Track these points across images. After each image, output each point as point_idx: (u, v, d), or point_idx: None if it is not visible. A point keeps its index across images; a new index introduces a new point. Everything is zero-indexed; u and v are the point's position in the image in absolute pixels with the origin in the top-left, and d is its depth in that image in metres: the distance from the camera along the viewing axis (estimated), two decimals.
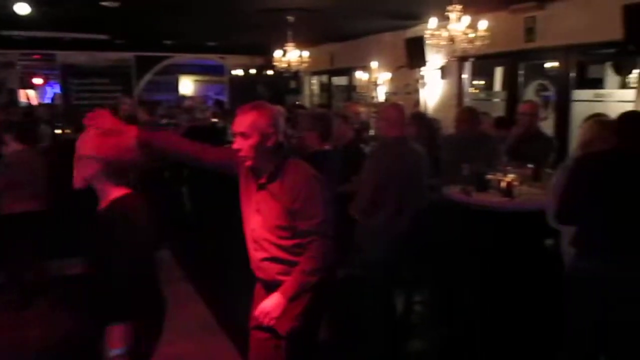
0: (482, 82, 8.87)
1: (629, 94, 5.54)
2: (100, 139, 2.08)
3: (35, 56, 12.81)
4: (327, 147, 3.96)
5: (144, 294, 2.04)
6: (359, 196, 3.61)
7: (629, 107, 5.08)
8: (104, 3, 6.60)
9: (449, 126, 7.37)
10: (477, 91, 8.29)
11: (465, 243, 4.02)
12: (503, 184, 3.87)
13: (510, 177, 3.84)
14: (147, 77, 13.07)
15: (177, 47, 12.16)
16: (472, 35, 4.80)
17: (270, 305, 2.34)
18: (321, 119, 3.90)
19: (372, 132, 6.37)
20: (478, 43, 4.82)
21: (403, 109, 3.69)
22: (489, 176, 4.07)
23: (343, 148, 4.65)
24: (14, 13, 6.42)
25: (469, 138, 4.57)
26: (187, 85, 16.96)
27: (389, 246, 3.60)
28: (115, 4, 6.63)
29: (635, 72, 5.26)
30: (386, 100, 8.05)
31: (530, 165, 4.17)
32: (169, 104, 14.97)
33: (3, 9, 6.52)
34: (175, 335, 2.63)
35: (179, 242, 5.93)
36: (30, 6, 6.22)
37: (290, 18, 7.40)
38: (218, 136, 6.76)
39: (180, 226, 6.48)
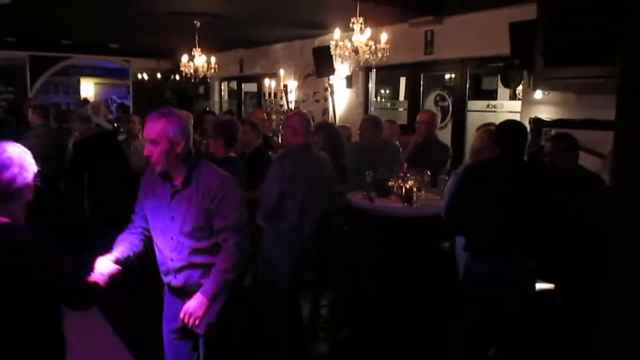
0: (387, 92, 9.23)
1: (517, 105, 5.97)
2: None
3: None
4: (232, 154, 3.95)
5: None
6: (263, 203, 3.62)
7: (517, 117, 5.47)
8: None
9: (355, 133, 7.62)
10: (382, 100, 8.60)
11: (368, 247, 4.15)
12: (403, 190, 4.04)
13: (410, 183, 4.02)
14: (43, 78, 12.28)
15: (76, 47, 11.54)
16: (374, 47, 4.99)
17: (193, 305, 2.41)
18: (226, 126, 3.88)
19: (280, 140, 6.40)
20: (379, 55, 5.02)
21: (308, 117, 3.76)
22: (391, 182, 4.22)
23: (250, 155, 4.66)
24: None
25: (372, 145, 4.72)
26: (88, 88, 16.19)
27: (293, 252, 3.65)
28: (6, 1, 6.20)
29: (521, 84, 5.69)
30: (295, 108, 8.13)
31: (427, 172, 4.38)
32: (67, 107, 14.24)
33: None
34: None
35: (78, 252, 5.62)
36: None
37: (197, 22, 7.28)
38: (116, 145, 6.36)
39: (80, 236, 6.15)
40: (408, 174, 4.12)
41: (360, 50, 4.96)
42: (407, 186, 3.99)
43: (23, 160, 1.94)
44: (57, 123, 7.85)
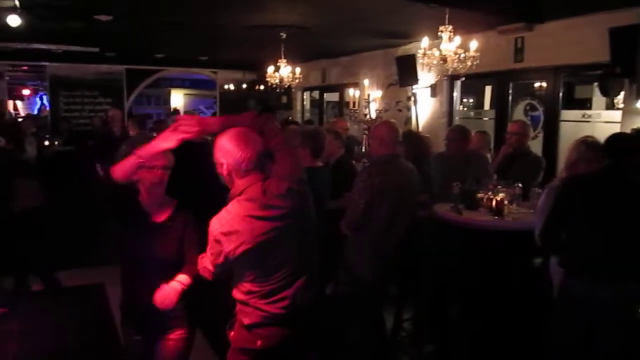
0: (472, 101, 8.99)
1: (616, 115, 5.62)
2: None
3: (24, 67, 12.75)
4: (319, 163, 3.98)
5: None
6: (349, 212, 3.61)
7: (616, 128, 5.15)
8: (97, 16, 6.61)
9: (439, 144, 7.46)
10: (466, 110, 8.39)
11: (455, 260, 4.03)
12: (493, 203, 3.89)
13: (500, 196, 3.87)
14: (138, 90, 13.03)
15: (168, 61, 12.17)
16: (463, 55, 4.86)
17: (167, 291, 2.41)
18: (313, 136, 3.91)
19: (363, 149, 6.38)
20: (469, 63, 4.89)
21: (395, 127, 3.71)
22: (479, 194, 4.08)
23: (334, 164, 4.68)
24: (5, 25, 6.39)
25: (459, 156, 4.60)
26: (177, 99, 16.98)
27: (377, 263, 3.61)
28: (108, 18, 6.64)
29: (622, 93, 5.35)
30: (377, 117, 8.08)
31: (518, 185, 4.19)
32: (159, 117, 15.01)
33: None
34: None
35: None
36: (22, 18, 6.19)
37: (283, 34, 7.45)
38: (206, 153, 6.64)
39: None
40: (498, 186, 3.97)
41: (448, 59, 4.86)
42: (498, 199, 3.84)
43: None
44: (150, 132, 8.31)
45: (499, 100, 7.19)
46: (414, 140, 4.76)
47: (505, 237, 3.79)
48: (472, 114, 8.44)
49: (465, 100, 8.59)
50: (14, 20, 6.15)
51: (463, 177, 4.29)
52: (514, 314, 3.84)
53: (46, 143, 10.10)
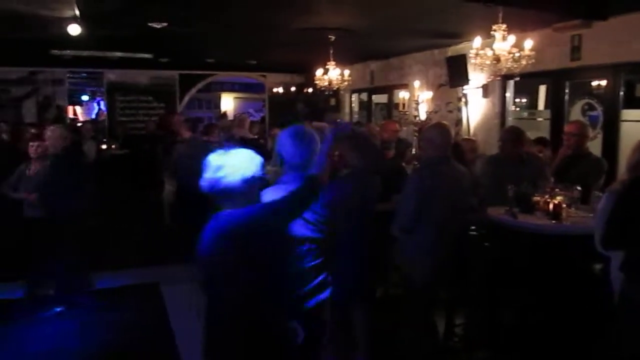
0: (525, 101, 8.72)
1: None
2: None
3: (83, 74, 13.28)
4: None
5: None
6: (399, 215, 3.56)
7: None
8: (151, 23, 6.80)
9: (492, 144, 7.29)
10: (519, 110, 8.15)
11: (509, 265, 3.92)
12: (550, 206, 3.76)
13: (558, 199, 3.73)
14: (190, 94, 13.35)
15: (219, 65, 12.40)
16: (517, 54, 4.72)
17: None
18: (363, 139, 3.89)
19: (414, 151, 6.30)
20: (523, 62, 4.73)
21: (447, 129, 3.65)
22: (535, 197, 3.96)
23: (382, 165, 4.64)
24: (65, 33, 6.67)
25: (513, 158, 4.47)
26: (227, 102, 17.27)
27: (429, 266, 3.55)
28: (163, 25, 6.82)
29: None
30: (427, 119, 7.97)
31: (577, 187, 4.03)
32: (209, 121, 15.30)
33: (57, 29, 6.78)
34: None
35: None
36: (81, 27, 6.44)
37: (331, 37, 7.45)
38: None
39: None
40: (556, 189, 3.83)
41: (502, 59, 4.72)
42: (556, 202, 3.70)
43: None
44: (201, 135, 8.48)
45: (554, 100, 6.94)
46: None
47: (563, 241, 3.66)
48: (525, 114, 8.20)
49: (518, 100, 8.36)
50: (74, 30, 6.41)
51: (517, 180, 4.17)
52: (572, 321, 3.70)
53: (103, 147, 10.49)
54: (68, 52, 9.60)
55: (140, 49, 9.54)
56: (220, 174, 2.11)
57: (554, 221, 3.71)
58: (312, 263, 2.57)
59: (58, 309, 4.90)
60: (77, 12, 6.09)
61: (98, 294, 5.26)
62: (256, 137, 8.29)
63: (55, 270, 4.93)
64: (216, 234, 2.10)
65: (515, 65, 4.72)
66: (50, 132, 5.02)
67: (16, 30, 7.18)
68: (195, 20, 6.75)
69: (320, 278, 2.60)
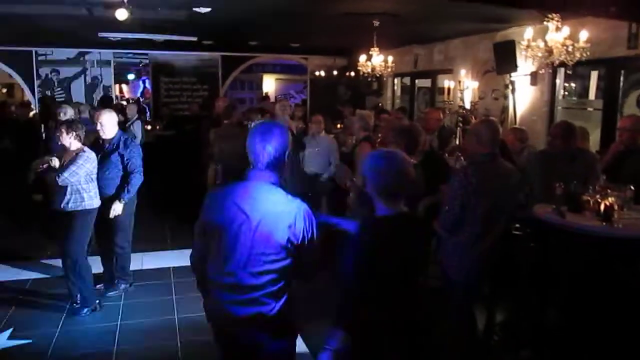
0: (574, 86, 8.36)
1: None
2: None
3: (128, 54, 13.52)
4: (412, 160, 3.88)
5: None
6: (443, 213, 3.50)
7: None
8: (196, 8, 6.83)
9: (539, 133, 7.08)
10: (570, 98, 7.86)
11: (556, 265, 3.82)
12: (601, 207, 3.62)
13: (610, 199, 3.59)
14: (232, 76, 13.42)
15: (261, 47, 12.39)
16: (571, 47, 4.50)
17: None
18: (408, 133, 3.83)
19: (457, 141, 6.17)
20: (577, 55, 4.52)
21: (495, 126, 3.54)
22: (585, 197, 3.82)
23: (423, 158, 4.56)
24: (113, 17, 6.77)
25: (563, 154, 4.32)
26: (269, 84, 17.32)
27: (469, 266, 3.49)
28: (207, 10, 6.84)
29: None
30: (472, 107, 7.77)
31: (631, 187, 3.86)
32: (250, 102, 15.41)
33: (105, 13, 6.90)
34: None
35: None
36: (128, 12, 6.52)
37: (376, 22, 7.32)
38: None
39: None
40: (608, 189, 3.68)
41: (555, 51, 4.53)
42: (607, 203, 3.56)
43: None
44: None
45: (608, 90, 6.65)
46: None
47: (613, 244, 3.53)
48: (575, 103, 7.89)
49: (567, 85, 8.03)
50: (121, 14, 6.49)
51: (567, 177, 4.03)
52: (618, 325, 3.59)
53: (148, 127, 10.69)
54: (115, 34, 9.75)
55: (185, 32, 9.60)
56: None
57: (604, 223, 3.57)
58: None
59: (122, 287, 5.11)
60: None
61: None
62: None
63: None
64: None
65: (569, 58, 4.52)
66: (106, 117, 4.94)
67: (65, 13, 7.32)
68: (239, 5, 6.74)
69: None
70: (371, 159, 2.46)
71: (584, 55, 4.60)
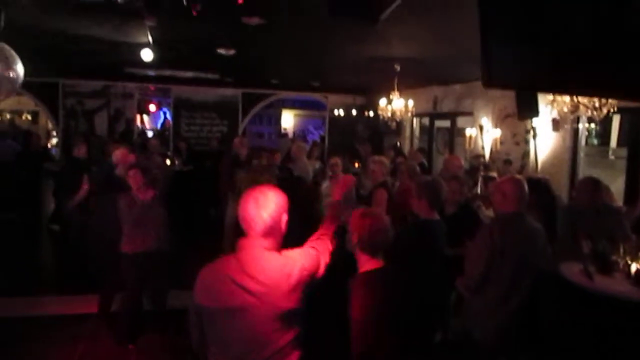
0: (594, 127, 8.21)
1: None
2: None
3: (152, 87, 13.74)
4: (436, 216, 3.81)
5: None
6: (467, 272, 3.42)
7: None
8: (219, 49, 6.93)
9: (562, 183, 6.97)
10: (592, 141, 7.72)
11: (584, 329, 3.68)
12: (632, 269, 3.51)
13: None
14: (252, 112, 13.55)
15: (282, 85, 12.53)
16: (597, 103, 4.43)
17: None
18: (431, 187, 3.77)
19: (479, 190, 6.08)
20: (605, 111, 4.45)
21: (521, 183, 3.47)
22: (615, 257, 3.70)
23: (456, 211, 4.51)
24: (138, 56, 6.91)
25: (589, 210, 4.22)
26: (288, 119, 17.43)
27: (493, 328, 3.38)
28: (230, 52, 6.94)
29: None
30: (492, 152, 7.70)
31: None
32: (269, 136, 15.47)
33: (130, 54, 7.04)
34: None
35: None
36: (153, 52, 6.65)
37: (397, 66, 7.36)
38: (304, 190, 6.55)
39: None
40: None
41: (581, 107, 4.46)
42: (639, 266, 3.45)
43: None
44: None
45: (632, 139, 6.53)
46: (543, 188, 4.47)
47: None
48: (598, 151, 7.79)
49: (588, 128, 7.88)
50: (147, 55, 6.62)
51: (593, 234, 3.93)
52: None
53: (168, 162, 10.74)
54: (140, 70, 9.95)
55: (208, 70, 9.77)
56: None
57: (636, 287, 3.45)
58: None
59: None
60: (150, 39, 6.28)
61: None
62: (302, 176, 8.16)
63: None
64: None
65: (595, 114, 4.45)
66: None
67: (93, 51, 7.49)
68: (263, 48, 6.83)
69: None
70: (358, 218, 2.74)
71: (612, 110, 4.53)
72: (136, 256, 4.58)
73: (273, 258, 2.17)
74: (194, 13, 2.78)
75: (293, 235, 2.40)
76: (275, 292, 2.11)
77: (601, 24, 1.48)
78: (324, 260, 2.39)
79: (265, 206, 2.15)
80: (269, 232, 2.16)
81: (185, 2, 2.77)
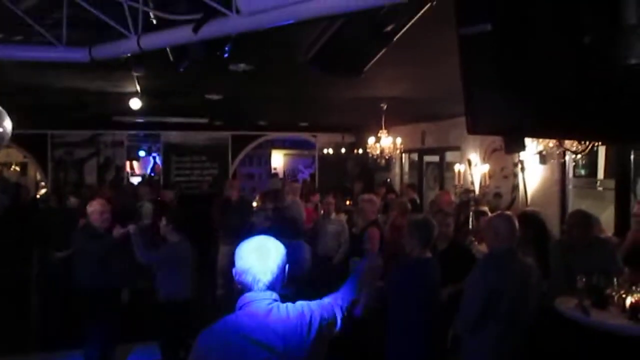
0: (583, 163, 8.31)
1: None
2: None
3: (141, 134, 13.79)
4: (428, 254, 3.82)
5: None
6: (462, 311, 3.39)
7: None
8: (208, 96, 7.01)
9: (552, 216, 7.01)
10: (579, 172, 7.78)
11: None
12: (627, 303, 3.50)
13: (637, 296, 3.46)
14: (242, 154, 13.61)
15: (270, 127, 12.64)
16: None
17: None
18: (423, 227, 3.78)
19: (470, 225, 6.10)
20: (589, 144, 4.52)
21: (511, 220, 3.48)
22: (609, 291, 3.69)
23: (446, 248, 4.51)
24: (127, 105, 6.96)
25: (581, 244, 4.23)
26: (277, 159, 17.49)
27: None
28: (218, 97, 7.02)
29: None
30: (482, 186, 7.76)
31: None
32: (259, 176, 15.47)
33: (118, 104, 7.09)
34: None
35: None
36: (142, 101, 6.71)
37: (384, 105, 7.47)
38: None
39: None
40: (633, 285, 3.56)
41: (566, 142, 4.53)
42: (633, 300, 3.44)
43: None
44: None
45: (618, 169, 6.58)
46: (535, 221, 4.49)
47: None
48: (586, 182, 7.83)
49: (575, 161, 7.96)
50: (135, 104, 6.69)
51: (586, 268, 3.92)
52: None
53: None
54: (128, 118, 10.01)
55: (196, 115, 9.85)
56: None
57: (631, 320, 3.43)
58: None
59: None
60: (139, 88, 6.34)
61: None
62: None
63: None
64: None
65: (580, 148, 4.52)
66: None
67: (81, 101, 7.54)
68: (251, 93, 6.92)
69: None
70: None
71: (597, 143, 4.60)
72: None
73: (283, 308, 2.04)
74: (181, 70, 2.82)
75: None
76: (298, 346, 1.99)
77: (585, 71, 1.52)
78: (339, 312, 2.27)
79: (270, 256, 2.04)
80: (275, 284, 2.05)
81: (172, 58, 2.81)
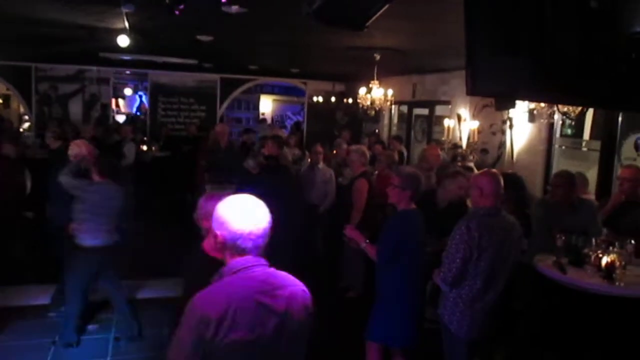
0: (571, 125, 8.35)
1: None
2: None
3: (127, 72, 13.51)
4: (413, 206, 3.86)
5: None
6: (445, 266, 3.47)
7: None
8: (199, 36, 6.84)
9: (536, 174, 7.11)
10: (566, 132, 7.83)
11: (556, 321, 3.79)
12: (602, 263, 3.61)
13: (612, 256, 3.57)
14: (230, 98, 13.44)
15: (260, 71, 12.44)
16: None
17: None
18: (415, 180, 3.80)
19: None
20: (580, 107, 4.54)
21: (498, 178, 3.52)
22: (587, 250, 3.81)
23: (447, 206, 4.58)
24: (114, 41, 6.76)
25: (564, 204, 4.32)
26: (266, 104, 17.34)
27: (474, 320, 3.45)
28: (209, 38, 6.86)
29: None
30: (470, 142, 7.80)
31: (631, 241, 3.85)
32: (247, 122, 15.37)
33: (106, 40, 6.90)
34: None
35: None
36: (130, 38, 6.52)
37: (377, 55, 7.37)
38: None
39: None
40: (610, 244, 3.67)
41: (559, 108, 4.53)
42: (609, 260, 3.55)
43: None
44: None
45: (605, 131, 6.63)
46: (514, 182, 4.54)
47: (616, 302, 3.51)
48: (573, 142, 7.89)
49: (563, 120, 7.98)
50: (123, 41, 6.49)
51: (567, 227, 4.03)
52: None
53: (144, 148, 10.61)
54: (115, 55, 9.75)
55: (186, 56, 9.63)
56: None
57: (605, 280, 3.55)
58: None
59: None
60: (127, 25, 6.16)
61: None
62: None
63: None
64: None
65: (571, 109, 4.53)
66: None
67: (67, 35, 7.32)
68: (242, 35, 6.76)
69: None
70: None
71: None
72: None
73: (285, 275, 1.98)
74: (177, 13, 2.73)
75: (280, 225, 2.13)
76: (298, 314, 1.94)
77: (586, 37, 1.51)
78: None
79: (262, 218, 1.92)
80: (264, 247, 1.94)
81: (167, 1, 2.72)
